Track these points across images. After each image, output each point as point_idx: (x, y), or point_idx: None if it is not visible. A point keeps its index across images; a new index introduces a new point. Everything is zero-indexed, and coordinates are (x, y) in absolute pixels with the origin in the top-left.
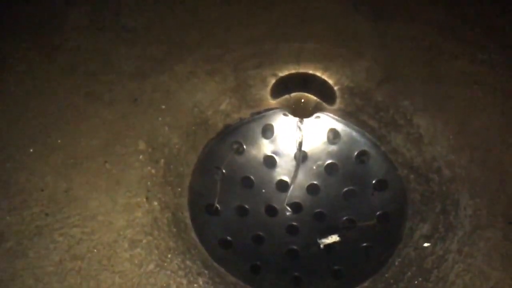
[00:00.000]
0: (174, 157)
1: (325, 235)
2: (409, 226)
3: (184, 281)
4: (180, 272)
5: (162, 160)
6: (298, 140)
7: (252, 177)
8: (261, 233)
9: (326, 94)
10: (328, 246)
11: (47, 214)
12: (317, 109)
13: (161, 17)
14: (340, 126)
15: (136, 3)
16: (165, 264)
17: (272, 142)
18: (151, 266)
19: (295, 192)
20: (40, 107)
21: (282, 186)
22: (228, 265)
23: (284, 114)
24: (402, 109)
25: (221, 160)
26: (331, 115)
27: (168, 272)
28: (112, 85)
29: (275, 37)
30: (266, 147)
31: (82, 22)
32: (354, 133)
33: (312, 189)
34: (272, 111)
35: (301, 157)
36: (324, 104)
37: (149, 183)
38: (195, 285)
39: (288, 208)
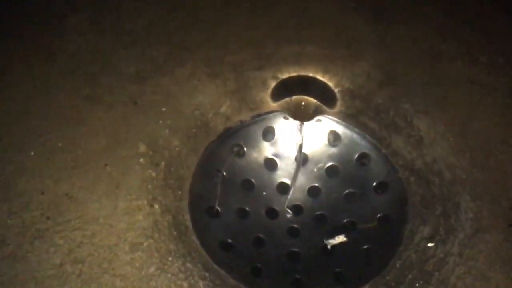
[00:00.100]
0: (174, 160)
1: (332, 236)
2: (409, 229)
3: (185, 284)
4: (181, 275)
5: (163, 163)
6: (298, 143)
7: (252, 179)
8: (261, 236)
9: (326, 97)
10: (328, 248)
11: (47, 218)
12: (317, 112)
13: (161, 19)
14: (340, 129)
15: (136, 6)
16: (166, 267)
17: (273, 144)
18: (152, 269)
19: (296, 195)
20: (40, 109)
21: (283, 188)
22: (229, 267)
23: (285, 118)
24: (402, 111)
25: (221, 163)
26: (332, 117)
27: (169, 275)
28: (112, 88)
29: (275, 39)
30: (266, 150)
31: (82, 24)
32: (354, 136)
33: (313, 192)
34: (273, 113)
35: (302, 160)
36: (325, 107)
37: (149, 186)
38: None
39: (289, 211)
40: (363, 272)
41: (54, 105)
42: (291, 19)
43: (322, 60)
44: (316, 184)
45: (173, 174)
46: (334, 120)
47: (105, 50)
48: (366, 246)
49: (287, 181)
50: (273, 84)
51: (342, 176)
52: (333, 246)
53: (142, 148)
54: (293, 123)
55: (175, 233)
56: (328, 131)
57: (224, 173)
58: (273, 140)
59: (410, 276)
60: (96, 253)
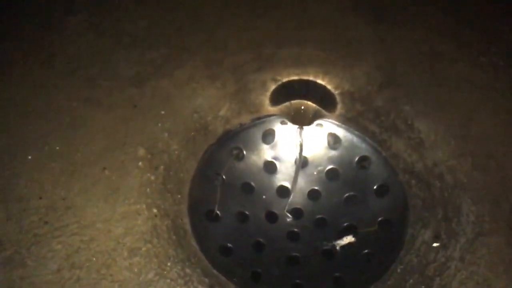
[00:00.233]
0: (173, 163)
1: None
2: (410, 233)
3: None
4: (180, 280)
5: (162, 167)
6: (298, 146)
7: (252, 183)
8: (261, 240)
9: (326, 101)
10: (328, 252)
11: (45, 222)
12: (317, 116)
13: (160, 22)
14: (340, 132)
15: (135, 8)
16: (165, 272)
17: (273, 147)
18: (151, 275)
19: (296, 198)
20: (38, 113)
21: (283, 192)
22: (229, 272)
23: (283, 122)
24: (403, 114)
25: (221, 166)
26: (332, 120)
27: (168, 281)
28: (111, 90)
29: (275, 41)
30: (266, 153)
31: (82, 26)
32: (355, 139)
33: (313, 195)
34: (273, 116)
35: (301, 163)
36: (325, 112)
37: (148, 190)
38: None
39: (288, 215)
40: (363, 277)
41: (52, 108)
42: (290, 21)
43: (322, 62)
44: (316, 188)
45: (172, 178)
46: (334, 123)
47: (104, 52)
48: (366, 251)
49: (287, 184)
50: (272, 86)
51: (342, 179)
52: (332, 251)
53: (141, 151)
54: (293, 126)
55: (174, 237)
56: (328, 134)
57: (224, 177)
58: (273, 143)
59: (411, 281)
60: (94, 259)
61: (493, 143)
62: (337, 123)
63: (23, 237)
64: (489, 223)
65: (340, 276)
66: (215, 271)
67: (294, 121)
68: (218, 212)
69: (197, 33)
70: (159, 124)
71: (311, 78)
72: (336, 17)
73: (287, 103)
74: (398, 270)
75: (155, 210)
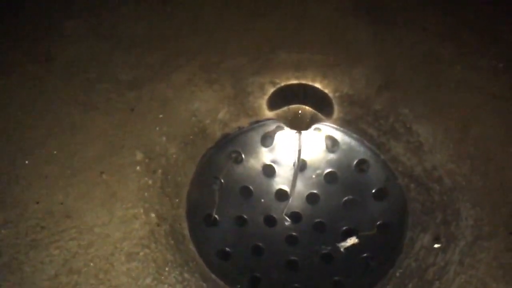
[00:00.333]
0: (171, 168)
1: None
2: (409, 237)
3: None
4: (178, 285)
5: (160, 171)
6: (296, 151)
7: (250, 186)
8: (260, 244)
9: (323, 106)
10: (327, 256)
11: (42, 227)
12: (314, 120)
13: (158, 26)
14: (339, 135)
15: (133, 12)
16: (163, 277)
17: (271, 150)
18: (148, 280)
19: (295, 202)
20: (36, 117)
21: (282, 195)
22: (227, 277)
23: (279, 127)
24: (401, 117)
25: (219, 170)
26: (330, 124)
27: (166, 286)
28: (109, 94)
29: (273, 44)
30: (265, 156)
31: (79, 31)
32: (353, 142)
33: (311, 199)
34: (271, 120)
35: (300, 167)
36: (322, 116)
37: (146, 194)
38: None
39: (287, 218)
40: (362, 281)
41: (50, 112)
42: (289, 24)
43: (321, 65)
44: (314, 191)
45: (170, 182)
46: (332, 127)
47: (102, 56)
48: (365, 254)
49: (286, 187)
50: (270, 89)
51: (341, 183)
52: (331, 254)
53: (139, 155)
54: (291, 130)
55: (172, 242)
56: (326, 137)
57: (222, 180)
58: (272, 146)
59: (410, 285)
60: (91, 264)
61: (492, 146)
62: (335, 126)
63: (20, 242)
64: (488, 227)
65: (339, 280)
66: (213, 276)
67: (291, 126)
68: (216, 216)
69: (195, 36)
70: (157, 128)
71: (309, 80)
72: (335, 19)
73: (284, 108)
74: (397, 274)
75: (153, 215)
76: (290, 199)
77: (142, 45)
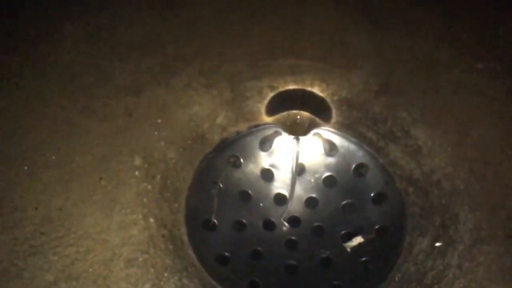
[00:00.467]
0: (170, 172)
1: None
2: (408, 241)
3: None
4: None
5: (158, 176)
6: (294, 155)
7: (249, 191)
8: (259, 249)
9: (322, 111)
10: (326, 260)
11: (41, 233)
12: (313, 126)
13: (156, 30)
14: (337, 139)
15: (131, 17)
16: (162, 283)
17: (270, 154)
18: (147, 286)
19: (293, 206)
20: (34, 123)
21: (280, 199)
22: (226, 282)
23: (277, 133)
24: (400, 121)
25: (218, 174)
26: (329, 128)
27: None
28: (107, 99)
29: (271, 49)
30: (263, 160)
31: (77, 35)
32: (352, 146)
33: (310, 203)
34: (269, 125)
35: (297, 172)
36: (321, 121)
37: (145, 199)
38: None
39: (285, 223)
40: (361, 285)
41: (48, 117)
42: (287, 29)
43: (319, 69)
44: (313, 195)
45: (169, 187)
46: (331, 131)
47: (100, 61)
48: (364, 259)
49: (284, 192)
50: (269, 93)
51: (340, 187)
52: (330, 259)
53: (138, 160)
54: (289, 136)
55: (171, 247)
56: (325, 141)
57: (221, 185)
58: (270, 150)
59: None
60: (90, 269)
61: (490, 150)
62: (334, 130)
63: (19, 248)
64: (487, 231)
65: (338, 284)
66: (213, 282)
67: (290, 132)
68: (215, 221)
69: (193, 41)
70: (156, 133)
71: (308, 84)
72: (333, 23)
73: (283, 113)
74: (396, 279)
75: (151, 220)
76: (289, 204)
77: (140, 49)
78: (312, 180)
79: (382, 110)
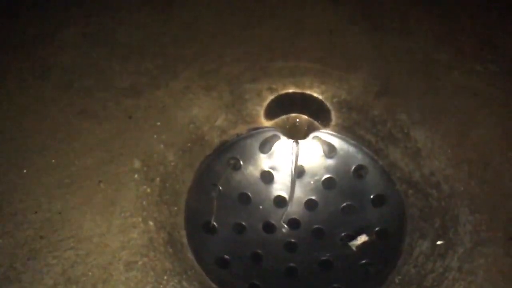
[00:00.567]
0: (170, 175)
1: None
2: (408, 243)
3: None
4: None
5: (158, 179)
6: (293, 158)
7: (249, 193)
8: (259, 251)
9: (321, 114)
10: (326, 262)
11: (41, 237)
12: (312, 129)
13: (156, 33)
14: (337, 141)
15: (130, 19)
16: (161, 286)
17: (270, 157)
18: None
19: (293, 208)
20: (33, 126)
21: (280, 201)
22: (226, 285)
23: (276, 136)
24: (399, 123)
25: (217, 177)
26: (328, 130)
27: None
28: (106, 102)
29: (270, 51)
30: (263, 162)
31: (77, 38)
32: (351, 148)
33: (310, 205)
34: (269, 128)
35: (298, 173)
36: (320, 125)
37: (144, 202)
38: None
39: (285, 225)
40: (362, 287)
41: (48, 121)
42: (286, 31)
43: (318, 71)
44: (313, 197)
45: (169, 190)
46: (330, 134)
47: (99, 64)
48: (364, 261)
49: (284, 194)
50: (268, 96)
51: (339, 189)
52: (330, 261)
53: (137, 163)
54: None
55: (170, 250)
56: (324, 143)
57: (220, 187)
58: (270, 152)
59: None
60: (90, 273)
61: (490, 151)
62: (333, 132)
63: (19, 251)
64: (487, 233)
65: (339, 286)
66: (212, 284)
67: (289, 136)
68: (215, 223)
69: (192, 43)
70: (155, 136)
71: (307, 86)
72: (331, 26)
73: (282, 117)
74: (396, 281)
75: (151, 223)
76: (288, 207)
77: (139, 52)
78: (312, 182)
79: (381, 112)
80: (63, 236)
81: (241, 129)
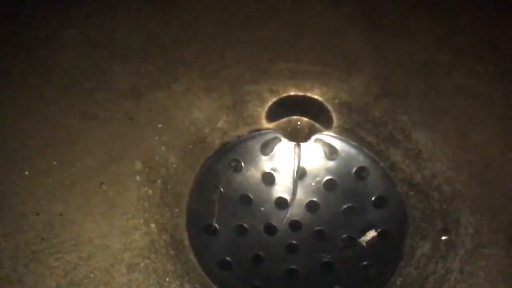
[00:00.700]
0: (171, 177)
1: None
2: (409, 244)
3: None
4: None
5: (159, 180)
6: (295, 160)
7: (250, 194)
8: (260, 253)
9: (323, 117)
10: (328, 264)
11: (42, 239)
12: (313, 132)
13: (156, 34)
14: (338, 143)
15: (131, 20)
16: None
17: (271, 158)
18: None
19: (294, 210)
20: (34, 127)
21: (282, 203)
22: (227, 287)
23: (277, 139)
24: (400, 124)
25: (219, 179)
26: (329, 132)
27: None
28: (107, 104)
29: (271, 53)
30: (264, 164)
31: (77, 39)
32: (352, 149)
33: (311, 206)
34: (270, 131)
35: (299, 177)
36: (321, 127)
37: (146, 204)
38: None
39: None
40: None
41: (49, 122)
42: (286, 33)
43: (319, 72)
44: (314, 199)
45: (170, 192)
46: (331, 135)
47: (100, 65)
48: (365, 263)
49: (286, 195)
50: (269, 97)
51: (341, 190)
52: (331, 263)
53: (138, 165)
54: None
55: (172, 252)
56: (325, 145)
57: (222, 189)
58: (272, 154)
59: None
60: (92, 275)
61: (491, 153)
62: (334, 134)
63: (20, 254)
64: (488, 234)
65: None
66: (214, 286)
67: (290, 138)
68: (216, 225)
69: (193, 45)
70: (156, 137)
71: (307, 88)
72: (332, 27)
73: (283, 119)
74: (398, 283)
75: (153, 225)
76: (290, 210)
77: (140, 54)
78: (313, 184)
79: (382, 114)
80: (65, 238)
81: (242, 130)
